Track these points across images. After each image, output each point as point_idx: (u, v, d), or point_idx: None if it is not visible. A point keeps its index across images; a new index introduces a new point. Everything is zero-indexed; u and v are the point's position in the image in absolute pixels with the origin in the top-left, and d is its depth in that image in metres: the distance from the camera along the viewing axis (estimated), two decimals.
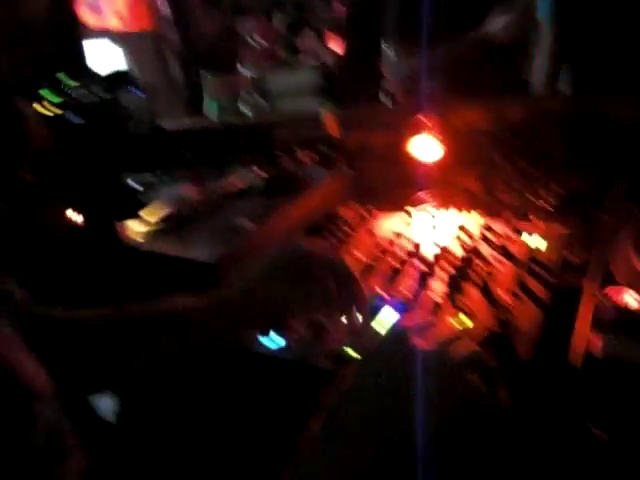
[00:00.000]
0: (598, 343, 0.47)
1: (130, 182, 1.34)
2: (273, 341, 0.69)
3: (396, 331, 0.52)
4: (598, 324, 0.49)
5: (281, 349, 0.68)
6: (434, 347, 0.50)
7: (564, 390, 0.51)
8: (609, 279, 0.56)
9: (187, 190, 1.08)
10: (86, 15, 2.24)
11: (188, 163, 1.45)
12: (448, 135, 1.09)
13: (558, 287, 0.69)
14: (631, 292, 0.50)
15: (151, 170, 1.38)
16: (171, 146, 1.61)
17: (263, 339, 0.69)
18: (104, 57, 2.24)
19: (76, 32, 2.08)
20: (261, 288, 0.53)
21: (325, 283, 0.53)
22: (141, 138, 1.42)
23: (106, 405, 0.79)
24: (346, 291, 0.54)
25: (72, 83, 1.43)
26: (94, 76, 1.56)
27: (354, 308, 0.55)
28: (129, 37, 2.32)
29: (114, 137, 1.35)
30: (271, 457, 0.54)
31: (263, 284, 0.53)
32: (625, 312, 0.48)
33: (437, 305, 0.67)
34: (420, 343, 0.49)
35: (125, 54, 2.23)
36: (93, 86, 1.45)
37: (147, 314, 0.53)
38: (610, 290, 0.50)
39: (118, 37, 2.28)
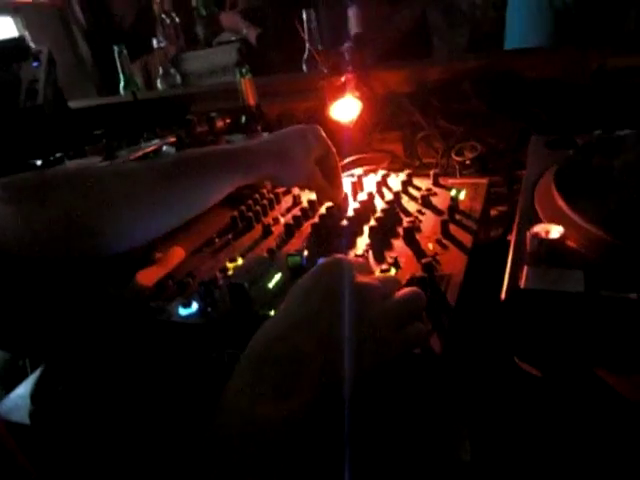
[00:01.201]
0: (523, 276, 0.45)
1: (33, 161, 1.23)
2: (189, 309, 0.65)
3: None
4: (523, 258, 0.48)
5: (196, 315, 0.63)
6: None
7: (492, 327, 0.50)
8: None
9: (94, 160, 1.00)
10: None
11: (98, 140, 1.35)
12: (368, 99, 1.06)
13: (480, 233, 0.69)
14: (554, 226, 0.48)
15: (57, 150, 1.28)
16: (78, 125, 1.50)
17: (180, 309, 0.65)
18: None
19: None
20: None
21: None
22: (38, 112, 1.30)
23: None
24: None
25: None
26: None
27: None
28: (28, 10, 2.14)
29: (4, 112, 1.23)
30: None
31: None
32: (547, 243, 0.47)
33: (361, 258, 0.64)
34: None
35: (22, 28, 2.06)
36: None
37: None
38: (534, 227, 0.48)
39: (15, 10, 2.10)
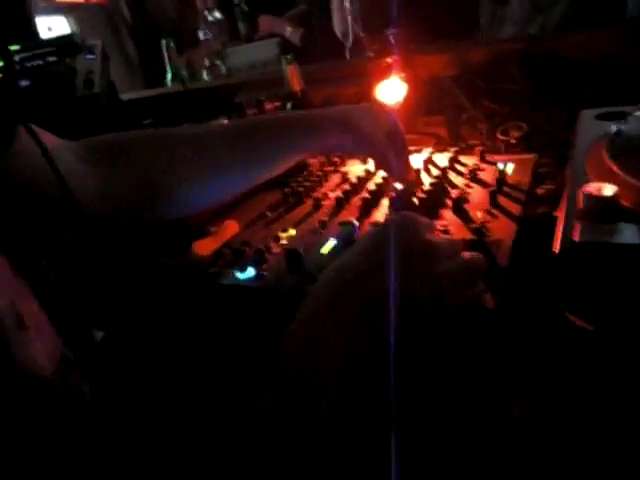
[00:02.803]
0: (577, 230, 0.46)
1: None
2: (246, 274, 0.68)
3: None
4: (576, 216, 0.49)
5: (253, 279, 0.66)
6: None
7: (543, 284, 0.51)
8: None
9: None
10: None
11: (147, 129, 1.40)
12: (413, 82, 1.08)
13: (529, 206, 0.70)
14: (607, 184, 0.49)
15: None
16: (129, 115, 1.56)
17: (237, 273, 0.68)
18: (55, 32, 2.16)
19: (25, 5, 2.00)
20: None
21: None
22: (94, 100, 1.36)
23: None
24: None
25: (15, 47, 1.37)
26: (40, 41, 1.49)
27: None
28: (79, 10, 2.23)
29: (62, 99, 1.29)
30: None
31: None
32: (601, 200, 0.48)
33: None
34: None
35: (75, 27, 2.14)
36: (38, 50, 1.39)
37: None
38: (588, 185, 0.49)
39: (68, 10, 2.19)
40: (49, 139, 0.58)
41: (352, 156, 0.88)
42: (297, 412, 0.38)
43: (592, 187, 0.50)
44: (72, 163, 0.60)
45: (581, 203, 0.50)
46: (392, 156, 0.71)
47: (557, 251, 0.47)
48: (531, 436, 0.51)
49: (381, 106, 0.75)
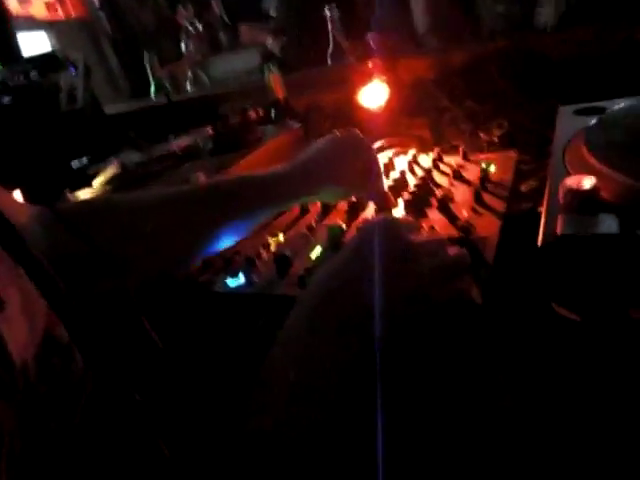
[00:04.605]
0: (559, 223, 0.47)
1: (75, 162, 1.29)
2: (237, 281, 0.68)
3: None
4: (557, 209, 0.50)
5: (244, 286, 0.67)
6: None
7: (529, 278, 0.52)
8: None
9: (132, 155, 1.05)
10: (15, 6, 2.15)
11: (132, 141, 1.40)
12: (395, 85, 1.09)
13: (512, 202, 0.71)
14: (585, 177, 0.50)
15: (95, 153, 1.33)
16: (114, 127, 1.56)
17: (228, 281, 0.68)
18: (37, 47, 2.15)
19: (5, 23, 2.00)
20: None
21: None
22: (78, 115, 1.36)
23: None
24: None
25: None
26: (23, 59, 1.49)
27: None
28: (60, 26, 2.23)
29: (46, 116, 1.29)
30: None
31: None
32: (581, 193, 0.49)
33: None
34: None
35: (57, 42, 2.14)
36: (20, 67, 1.40)
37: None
38: (567, 179, 0.51)
39: (48, 26, 2.19)
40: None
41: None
42: (289, 425, 0.39)
43: (571, 180, 0.51)
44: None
45: (561, 197, 0.51)
46: (370, 189, 0.68)
47: (540, 244, 0.48)
48: (523, 426, 0.52)
49: (353, 139, 0.68)
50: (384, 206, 0.70)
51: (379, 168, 0.69)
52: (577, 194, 0.50)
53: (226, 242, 0.63)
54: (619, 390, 0.48)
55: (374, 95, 1.04)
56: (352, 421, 0.41)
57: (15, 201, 0.58)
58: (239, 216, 0.62)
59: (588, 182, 0.50)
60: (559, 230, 0.47)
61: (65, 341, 0.41)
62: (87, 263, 0.54)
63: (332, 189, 0.65)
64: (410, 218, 0.62)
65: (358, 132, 0.68)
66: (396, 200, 0.74)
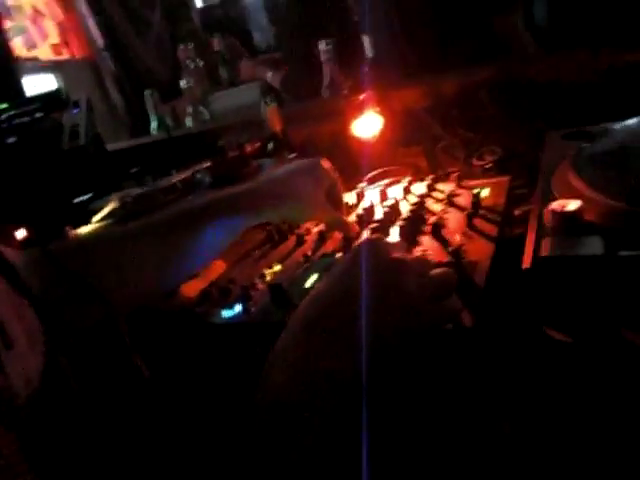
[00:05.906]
0: (544, 245, 0.48)
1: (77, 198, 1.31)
2: (233, 311, 0.69)
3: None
4: (543, 233, 0.51)
5: (240, 315, 0.67)
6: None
7: (520, 301, 0.52)
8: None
9: (133, 191, 1.07)
10: (19, 48, 2.22)
11: (134, 177, 1.43)
12: (388, 116, 1.11)
13: (505, 227, 0.71)
14: (571, 200, 0.51)
15: (98, 189, 1.36)
16: (116, 164, 1.59)
17: (224, 311, 0.69)
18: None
19: (11, 66, 2.05)
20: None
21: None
22: (81, 152, 1.39)
23: None
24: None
25: (2, 105, 1.41)
26: (27, 98, 1.53)
27: None
28: (65, 66, 2.30)
29: (49, 153, 1.32)
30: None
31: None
32: (565, 215, 0.50)
33: None
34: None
35: (61, 82, 2.20)
36: (24, 106, 1.43)
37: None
38: (552, 203, 0.52)
39: (54, 67, 2.25)
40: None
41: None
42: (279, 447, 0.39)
43: (557, 204, 0.52)
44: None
45: (547, 220, 0.52)
46: (333, 215, 0.74)
47: (526, 267, 0.49)
48: (523, 452, 0.51)
49: (318, 165, 0.74)
50: (347, 233, 0.75)
51: (340, 196, 0.77)
52: (562, 216, 0.50)
53: (200, 261, 0.69)
54: (617, 408, 0.48)
55: (368, 126, 1.06)
56: (340, 448, 0.41)
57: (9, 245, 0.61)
58: (208, 232, 0.66)
59: (573, 205, 0.51)
60: (544, 252, 0.48)
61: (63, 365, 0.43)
62: (73, 299, 0.57)
63: (294, 206, 0.70)
64: (401, 241, 0.63)
65: (323, 160, 0.75)
66: (389, 229, 0.75)
